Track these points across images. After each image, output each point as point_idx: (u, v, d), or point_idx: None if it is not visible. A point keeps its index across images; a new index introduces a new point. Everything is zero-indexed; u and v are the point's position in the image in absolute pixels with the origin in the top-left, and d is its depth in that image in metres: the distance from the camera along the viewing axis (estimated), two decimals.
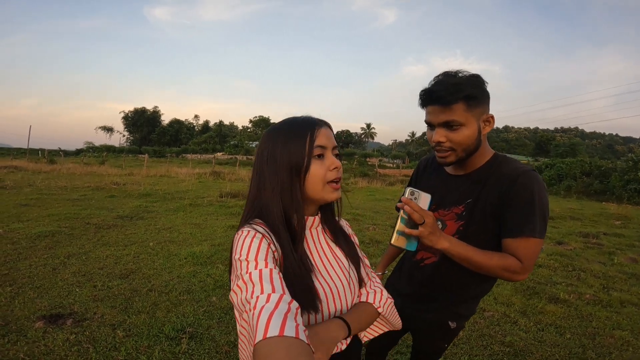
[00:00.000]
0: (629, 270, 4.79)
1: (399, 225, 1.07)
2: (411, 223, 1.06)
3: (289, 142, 0.85)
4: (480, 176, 1.21)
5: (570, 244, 6.20)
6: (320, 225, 0.96)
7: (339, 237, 0.99)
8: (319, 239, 0.95)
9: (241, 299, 0.70)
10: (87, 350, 2.36)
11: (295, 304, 0.66)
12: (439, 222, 1.26)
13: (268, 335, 0.57)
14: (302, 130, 0.86)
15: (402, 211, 1.06)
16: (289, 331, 0.58)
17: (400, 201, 1.08)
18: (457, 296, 1.35)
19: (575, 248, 5.91)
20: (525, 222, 1.10)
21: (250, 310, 0.65)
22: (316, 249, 0.93)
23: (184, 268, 4.03)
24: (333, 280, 0.90)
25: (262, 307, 0.62)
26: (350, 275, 0.95)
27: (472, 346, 2.71)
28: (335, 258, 0.95)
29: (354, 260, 0.98)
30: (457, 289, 1.33)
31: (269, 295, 0.65)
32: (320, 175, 0.85)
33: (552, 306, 3.46)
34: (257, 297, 0.66)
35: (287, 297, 0.66)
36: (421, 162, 1.53)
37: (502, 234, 1.15)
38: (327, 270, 0.90)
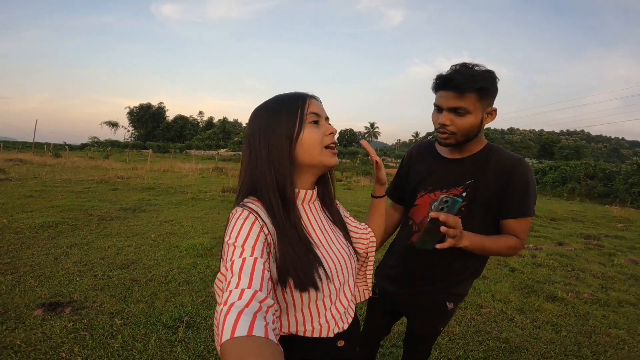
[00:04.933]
0: (629, 271, 4.78)
1: (428, 232, 1.08)
2: (437, 228, 1.05)
3: (280, 111, 0.87)
4: (478, 160, 1.31)
5: (570, 244, 6.18)
6: (317, 201, 0.98)
7: (335, 218, 1.01)
8: (318, 214, 0.96)
9: (223, 287, 0.70)
10: (84, 337, 2.38)
11: (268, 302, 0.64)
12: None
13: (236, 335, 0.55)
14: (294, 100, 0.88)
15: (429, 220, 1.05)
16: (258, 331, 0.56)
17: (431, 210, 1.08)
18: (455, 276, 1.40)
19: (576, 249, 5.89)
20: (525, 205, 1.25)
21: (220, 304, 0.63)
22: (317, 223, 0.94)
23: (184, 259, 4.06)
24: (335, 255, 0.91)
25: (232, 304, 0.61)
26: (349, 249, 0.97)
27: (468, 341, 2.71)
28: (334, 233, 0.97)
29: (349, 237, 1.03)
30: (455, 268, 1.38)
31: (242, 291, 0.64)
32: (317, 139, 0.87)
33: (549, 304, 3.46)
34: (230, 291, 0.64)
35: (261, 294, 0.64)
36: (413, 148, 1.57)
37: (501, 215, 1.28)
38: (329, 245, 0.91)
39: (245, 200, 0.85)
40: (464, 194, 1.29)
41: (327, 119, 0.92)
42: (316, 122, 0.88)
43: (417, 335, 1.56)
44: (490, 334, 2.85)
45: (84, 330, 2.46)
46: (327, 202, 1.01)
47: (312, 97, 0.91)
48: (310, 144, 0.86)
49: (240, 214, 0.78)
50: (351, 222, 1.09)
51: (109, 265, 3.76)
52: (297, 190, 0.90)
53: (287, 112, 0.87)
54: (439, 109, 1.24)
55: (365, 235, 1.09)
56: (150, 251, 4.32)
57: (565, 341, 2.80)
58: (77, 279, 3.33)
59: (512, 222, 1.27)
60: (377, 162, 1.08)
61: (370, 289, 1.13)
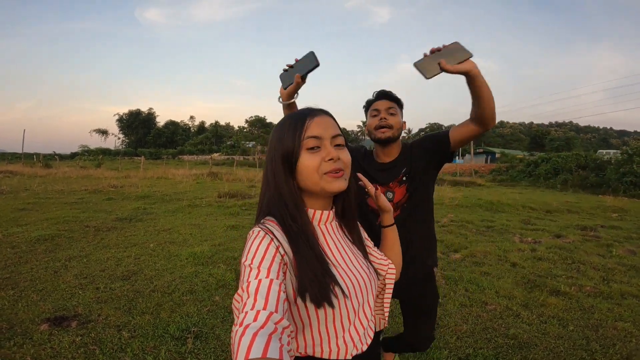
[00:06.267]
0: (628, 262, 4.82)
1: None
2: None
3: (283, 134, 0.86)
4: (402, 156, 1.74)
5: (568, 236, 6.23)
6: (334, 220, 0.96)
7: (354, 238, 0.99)
8: (335, 233, 0.94)
9: (240, 308, 0.70)
10: (94, 352, 2.36)
11: (283, 323, 0.65)
12: (390, 193, 1.72)
13: (251, 357, 0.55)
14: (295, 121, 0.86)
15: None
16: (273, 352, 0.57)
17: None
18: (426, 239, 1.76)
19: (574, 241, 5.94)
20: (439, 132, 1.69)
21: (236, 324, 0.64)
22: (334, 243, 0.92)
23: (186, 268, 4.03)
24: (354, 274, 0.88)
25: (248, 325, 0.61)
26: (369, 269, 0.95)
27: (477, 339, 2.72)
28: (353, 253, 0.94)
29: (368, 257, 1.01)
30: (425, 230, 1.76)
31: (257, 313, 0.64)
32: (314, 166, 0.83)
33: (553, 299, 3.48)
34: (246, 313, 0.65)
35: (277, 315, 0.65)
36: (361, 148, 1.92)
37: (444, 140, 1.62)
38: (347, 264, 0.89)
39: (264, 219, 0.85)
40: (404, 178, 1.69)
41: (335, 136, 0.87)
42: (314, 148, 0.84)
43: (421, 308, 1.81)
44: (498, 330, 2.86)
45: (92, 345, 2.43)
46: (346, 222, 0.99)
47: (315, 115, 0.87)
48: (306, 172, 0.84)
49: (257, 235, 0.79)
50: (372, 248, 1.07)
51: (110, 277, 3.72)
52: (312, 211, 0.90)
53: (287, 135, 0.85)
54: (376, 111, 1.70)
55: (385, 266, 1.06)
56: (151, 261, 4.28)
57: (573, 336, 2.81)
58: (80, 292, 3.29)
59: (452, 131, 1.61)
60: (372, 192, 1.09)
61: (386, 318, 1.10)
